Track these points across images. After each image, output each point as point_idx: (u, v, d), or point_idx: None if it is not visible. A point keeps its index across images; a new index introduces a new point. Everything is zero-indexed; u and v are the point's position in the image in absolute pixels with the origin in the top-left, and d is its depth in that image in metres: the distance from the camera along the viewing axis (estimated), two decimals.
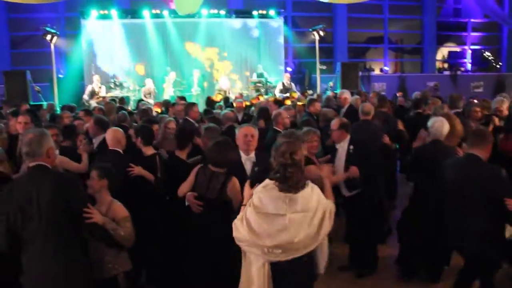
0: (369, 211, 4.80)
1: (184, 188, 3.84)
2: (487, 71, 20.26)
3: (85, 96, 13.39)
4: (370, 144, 5.22)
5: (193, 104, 7.21)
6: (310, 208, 2.83)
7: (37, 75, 14.48)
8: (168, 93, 14.21)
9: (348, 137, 4.83)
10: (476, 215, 3.68)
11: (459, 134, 4.78)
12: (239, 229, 2.87)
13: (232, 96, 13.05)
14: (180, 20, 15.16)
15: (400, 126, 6.47)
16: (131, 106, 12.17)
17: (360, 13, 18.63)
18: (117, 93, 13.74)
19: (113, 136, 4.46)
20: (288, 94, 13.40)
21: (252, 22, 16.31)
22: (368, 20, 19.61)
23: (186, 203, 3.75)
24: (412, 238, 4.72)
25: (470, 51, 20.93)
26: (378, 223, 5.11)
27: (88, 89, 13.66)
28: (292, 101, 10.98)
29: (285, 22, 17.15)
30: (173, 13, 14.75)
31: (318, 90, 15.44)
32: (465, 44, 21.02)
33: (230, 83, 15.11)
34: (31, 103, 12.64)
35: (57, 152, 4.08)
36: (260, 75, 15.17)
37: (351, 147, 4.76)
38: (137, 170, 4.19)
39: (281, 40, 16.76)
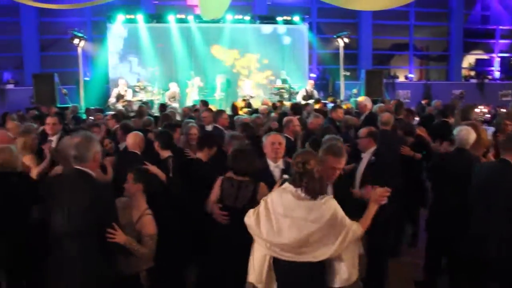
0: (381, 223, 4.58)
1: (211, 202, 3.82)
2: None
3: (112, 99, 13.58)
4: (387, 156, 4.93)
5: (222, 111, 7.25)
6: (317, 219, 2.85)
7: (64, 78, 14.76)
8: (192, 98, 14.28)
9: (374, 147, 4.71)
10: (501, 220, 3.67)
11: (485, 143, 4.77)
12: (250, 217, 3.08)
13: (258, 104, 12.95)
14: (204, 25, 15.27)
15: (421, 132, 6.30)
16: (154, 110, 12.26)
17: (386, 20, 18.44)
18: (141, 96, 13.89)
19: (133, 140, 4.75)
20: (311, 101, 13.30)
21: (276, 28, 16.30)
22: (393, 26, 19.43)
23: (209, 213, 3.76)
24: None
25: (498, 59, 20.49)
26: (388, 235, 4.75)
27: (115, 92, 13.85)
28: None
29: (310, 28, 17.09)
30: (198, 18, 14.86)
31: (342, 96, 15.34)
32: (493, 51, 20.60)
33: (253, 89, 15.10)
34: (58, 105, 12.90)
35: None
36: (283, 81, 15.15)
37: (373, 157, 4.63)
38: (151, 167, 4.23)
39: (305, 46, 16.71)
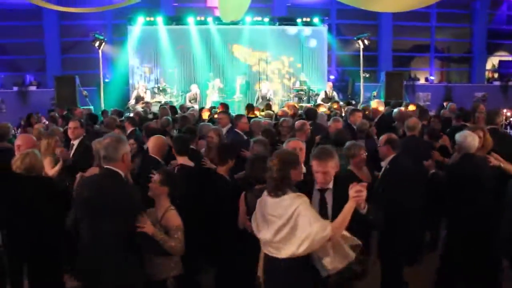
0: (393, 230, 4.28)
1: (242, 219, 3.77)
2: None
3: (131, 101, 13.69)
4: (406, 165, 4.54)
5: (241, 115, 6.90)
6: (280, 215, 2.93)
7: (84, 80, 14.92)
8: (212, 99, 14.30)
9: (392, 155, 4.45)
10: None
11: (490, 145, 4.80)
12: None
13: (276, 109, 12.82)
14: (224, 27, 15.26)
15: (445, 141, 6.09)
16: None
17: (406, 21, 18.16)
18: (160, 98, 13.97)
19: (154, 143, 4.59)
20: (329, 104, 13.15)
21: (296, 30, 16.20)
22: (414, 28, 19.09)
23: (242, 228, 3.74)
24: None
25: None
26: (403, 242, 4.52)
27: (134, 94, 13.95)
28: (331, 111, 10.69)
29: (329, 30, 16.96)
30: (217, 20, 14.86)
31: (361, 98, 15.16)
32: None
33: (272, 90, 15.02)
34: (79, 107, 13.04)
35: None
36: (303, 83, 15.05)
37: (388, 166, 4.41)
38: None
39: (324, 47, 16.58)
